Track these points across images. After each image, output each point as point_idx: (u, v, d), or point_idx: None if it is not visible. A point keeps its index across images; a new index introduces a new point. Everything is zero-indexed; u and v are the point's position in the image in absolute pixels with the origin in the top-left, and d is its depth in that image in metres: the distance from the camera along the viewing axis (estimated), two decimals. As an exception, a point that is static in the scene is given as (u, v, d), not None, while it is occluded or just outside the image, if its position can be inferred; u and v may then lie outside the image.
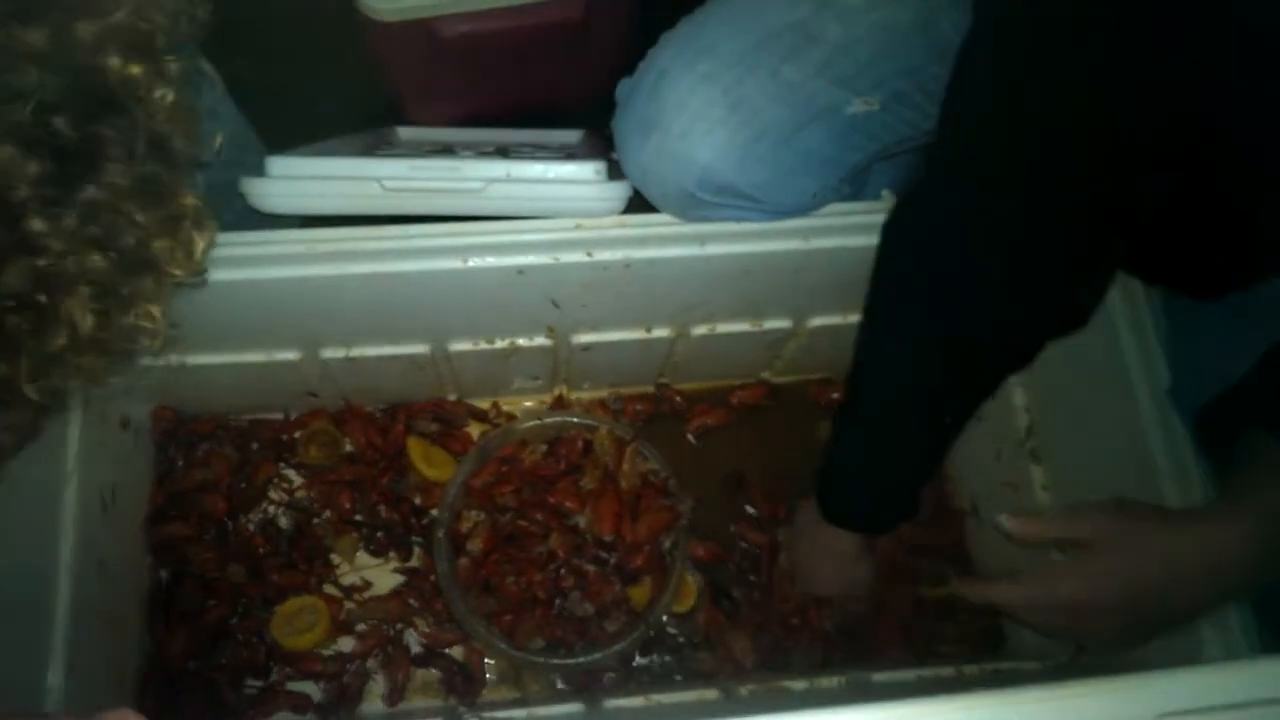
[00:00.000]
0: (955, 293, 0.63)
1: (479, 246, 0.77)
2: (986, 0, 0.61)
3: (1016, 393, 0.94)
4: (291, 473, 1.01)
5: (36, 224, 0.46)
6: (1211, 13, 0.49)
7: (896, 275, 0.68)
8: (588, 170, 0.76)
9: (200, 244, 0.57)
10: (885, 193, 0.82)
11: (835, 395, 1.08)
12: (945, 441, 0.74)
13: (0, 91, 0.44)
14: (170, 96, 0.52)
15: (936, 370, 0.68)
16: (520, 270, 0.79)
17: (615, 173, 0.78)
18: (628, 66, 0.76)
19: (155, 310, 0.55)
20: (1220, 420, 0.66)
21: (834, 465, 0.77)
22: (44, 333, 0.49)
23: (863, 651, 0.97)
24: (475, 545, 0.95)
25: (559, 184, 0.76)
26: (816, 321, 0.95)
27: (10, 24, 0.45)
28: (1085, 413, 0.85)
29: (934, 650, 0.97)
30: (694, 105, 0.70)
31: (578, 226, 0.78)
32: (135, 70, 0.49)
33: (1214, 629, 0.69)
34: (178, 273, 0.55)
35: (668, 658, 0.97)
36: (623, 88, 0.75)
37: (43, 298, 0.48)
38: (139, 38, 0.50)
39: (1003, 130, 0.59)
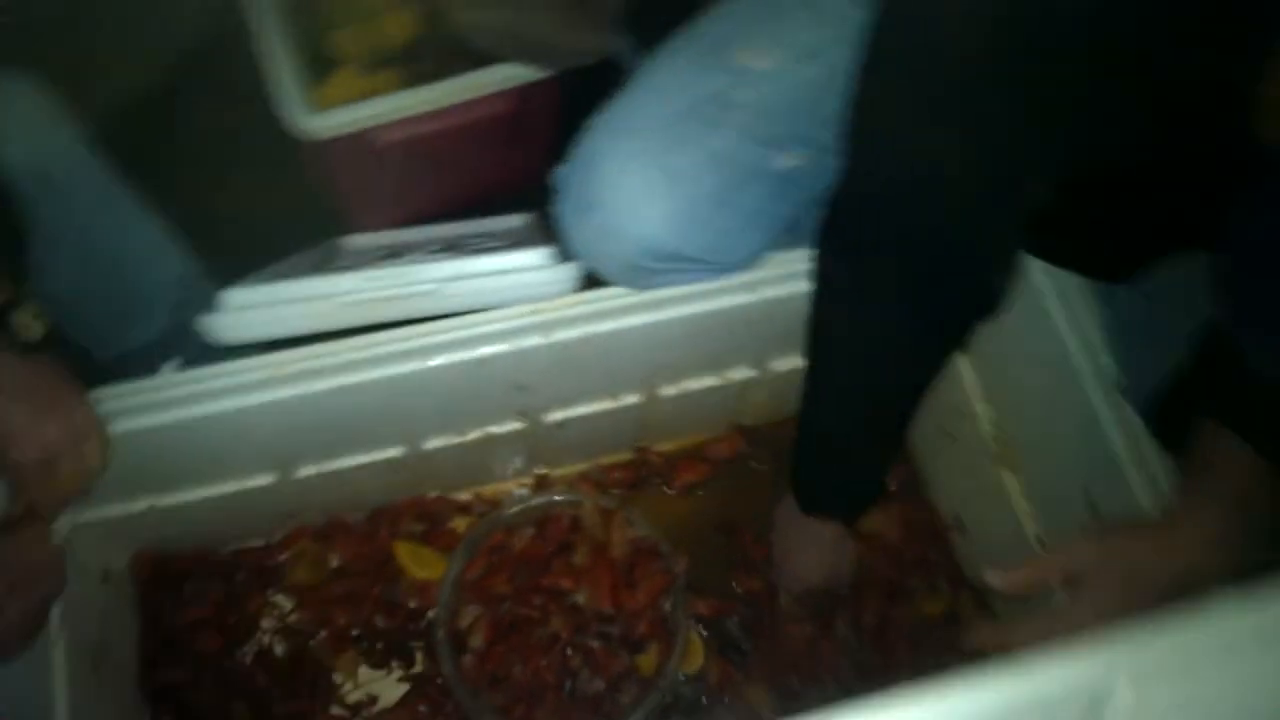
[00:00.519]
0: (881, 288, 0.67)
1: (439, 345, 0.78)
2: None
3: (980, 407, 0.96)
4: (281, 597, 1.00)
5: None
6: None
7: (829, 280, 0.72)
8: (536, 256, 0.78)
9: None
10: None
11: (808, 433, 1.10)
12: (901, 425, 0.78)
13: None
14: None
15: (879, 360, 0.72)
16: (482, 361, 0.81)
17: (565, 254, 0.81)
18: (560, 148, 0.79)
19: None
20: (1170, 415, 0.69)
21: (803, 460, 0.83)
22: None
23: (877, 678, 0.97)
24: (477, 640, 0.94)
25: (511, 274, 0.78)
26: (780, 365, 0.98)
27: None
28: (1046, 418, 0.88)
29: (945, 664, 0.98)
30: (629, 183, 0.72)
31: (534, 311, 0.79)
32: None
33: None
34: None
35: (686, 721, 0.96)
36: (559, 174, 0.78)
37: None
38: None
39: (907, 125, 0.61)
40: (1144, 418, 0.73)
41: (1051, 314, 0.82)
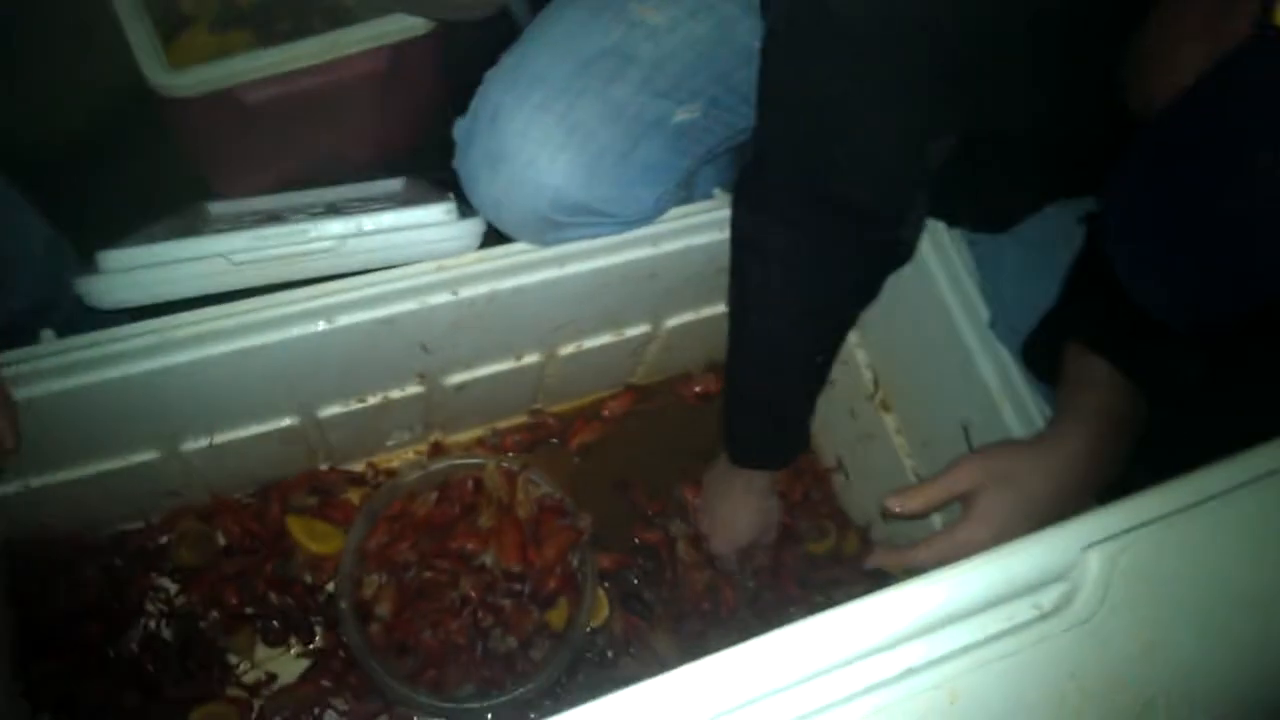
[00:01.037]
0: (798, 244, 0.71)
1: (345, 304, 0.76)
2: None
3: (859, 354, 1.03)
4: (166, 580, 0.95)
5: None
6: None
7: (748, 236, 0.75)
8: (439, 212, 0.78)
9: None
10: (716, 191, 0.88)
11: (697, 389, 1.14)
12: (824, 371, 0.83)
13: None
14: None
15: (799, 321, 0.76)
16: (388, 320, 0.79)
17: (465, 210, 0.80)
18: (439, 109, 0.78)
19: None
20: (1042, 344, 0.76)
21: (733, 415, 0.86)
22: None
23: (772, 616, 1.03)
24: (384, 608, 0.92)
25: (413, 229, 0.77)
26: (673, 322, 1.01)
27: None
28: (921, 359, 0.95)
29: (833, 597, 1.05)
30: (534, 134, 0.73)
31: (439, 268, 0.79)
32: None
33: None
34: None
35: (596, 673, 0.99)
36: (459, 127, 0.77)
37: None
38: None
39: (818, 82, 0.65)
40: (1014, 350, 0.81)
41: (924, 256, 0.88)
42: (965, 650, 0.35)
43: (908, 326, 0.95)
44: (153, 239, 0.81)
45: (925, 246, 0.89)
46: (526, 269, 0.82)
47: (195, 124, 1.01)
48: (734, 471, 0.90)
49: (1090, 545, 0.36)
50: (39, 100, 1.19)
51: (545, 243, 0.80)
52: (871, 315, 1.01)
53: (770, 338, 0.78)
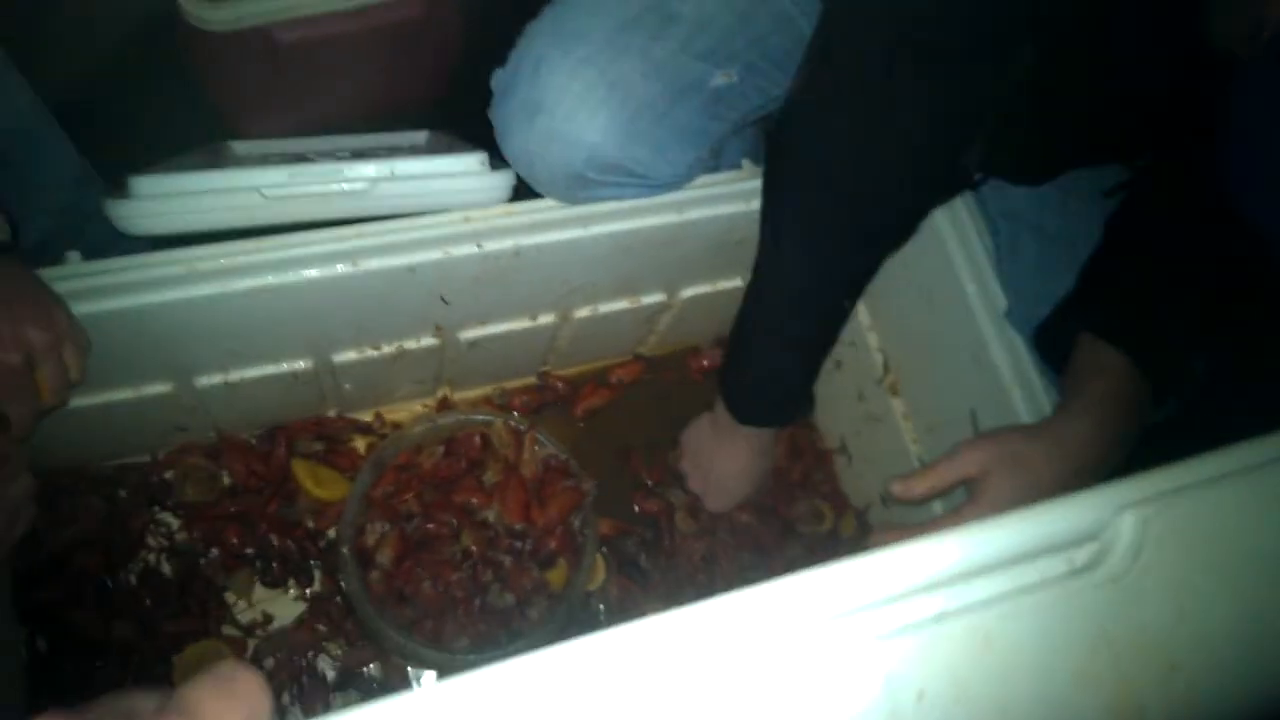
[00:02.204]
0: (847, 177, 0.70)
1: (371, 249, 0.76)
2: None
3: (870, 337, 1.03)
4: (168, 515, 0.95)
5: None
6: None
7: (789, 177, 0.74)
8: (472, 161, 0.78)
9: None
10: (745, 162, 0.89)
11: (705, 363, 1.15)
12: (839, 326, 0.84)
13: None
14: None
15: (832, 258, 0.75)
16: (412, 268, 0.79)
17: (496, 162, 0.80)
18: (468, 66, 0.77)
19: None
20: (1054, 333, 0.77)
21: (740, 373, 0.86)
22: None
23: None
24: (385, 557, 0.93)
25: (445, 178, 0.77)
26: (688, 292, 1.01)
27: None
28: (934, 343, 0.96)
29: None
30: (575, 88, 0.73)
31: (466, 219, 0.79)
32: None
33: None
34: None
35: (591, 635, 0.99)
36: (499, 78, 0.77)
37: None
38: None
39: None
40: (1027, 338, 0.82)
41: (945, 242, 0.89)
42: (1000, 598, 0.36)
43: (923, 310, 0.96)
44: (183, 168, 0.81)
45: (946, 230, 0.89)
46: (552, 226, 0.82)
47: (226, 60, 1.00)
48: (733, 429, 0.90)
49: (1125, 507, 0.37)
50: (71, 27, 1.18)
51: (574, 200, 0.81)
52: (886, 297, 1.02)
53: (807, 266, 0.75)
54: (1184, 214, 0.70)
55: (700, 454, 0.99)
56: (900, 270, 0.99)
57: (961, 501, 0.70)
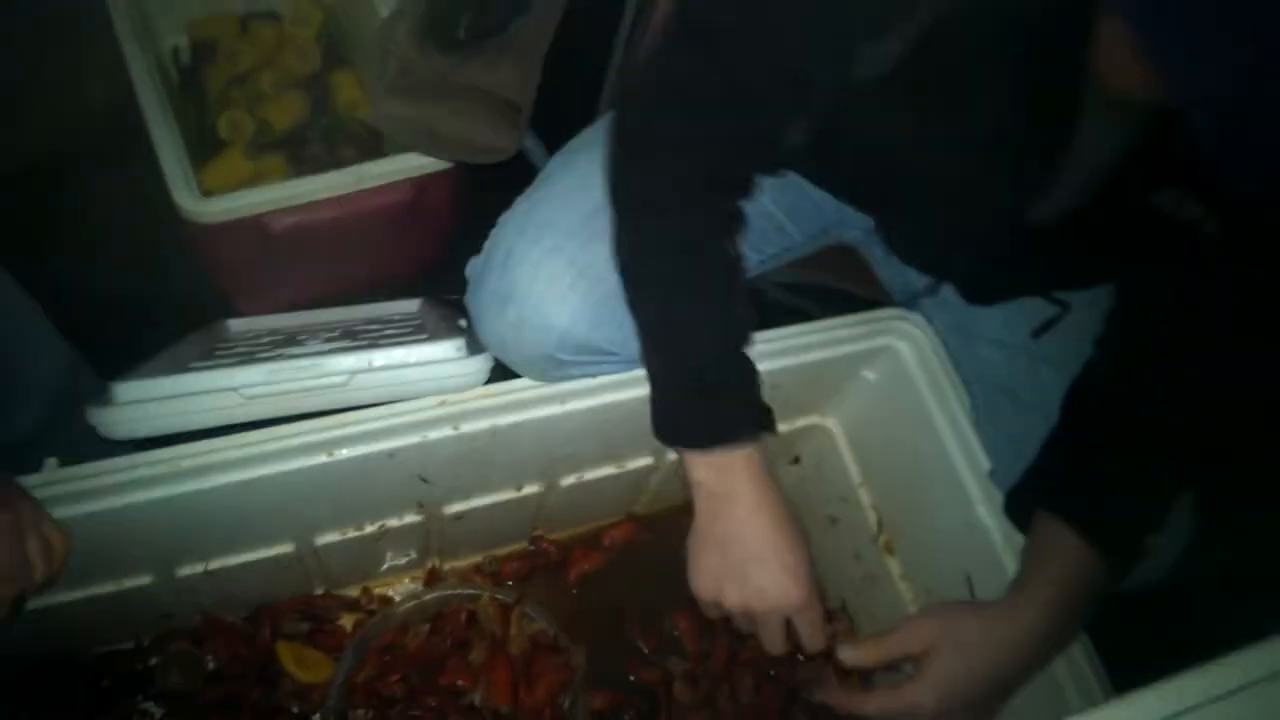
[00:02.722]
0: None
1: (347, 438, 0.77)
2: None
3: (862, 493, 1.02)
4: (151, 704, 0.93)
5: None
6: None
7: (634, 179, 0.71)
8: (449, 348, 0.79)
9: None
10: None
11: (699, 520, 1.13)
12: (746, 301, 0.72)
13: None
14: None
15: (704, 225, 0.69)
16: (390, 453, 0.80)
17: (474, 346, 0.82)
18: (454, 238, 0.80)
19: None
20: (1018, 504, 0.77)
21: (684, 391, 0.70)
22: None
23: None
24: (368, 745, 0.90)
25: (422, 365, 0.78)
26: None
27: None
28: (924, 503, 0.94)
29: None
30: (544, 276, 0.75)
31: (442, 403, 0.79)
32: None
33: (1069, 675, 0.77)
34: None
35: (584, 820, 0.95)
36: (472, 265, 0.80)
37: None
38: None
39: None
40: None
41: (924, 401, 0.89)
42: None
43: (910, 470, 0.95)
44: (167, 363, 0.83)
45: (925, 391, 0.90)
46: (528, 405, 0.82)
47: (220, 247, 1.04)
48: (721, 485, 0.69)
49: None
50: (75, 211, 1.25)
51: (550, 379, 0.82)
52: (872, 453, 1.01)
53: (676, 266, 0.69)
54: (1146, 377, 0.70)
55: (704, 546, 0.71)
56: (882, 427, 0.99)
57: (906, 676, 0.69)
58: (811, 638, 0.70)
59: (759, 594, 0.68)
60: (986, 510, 0.84)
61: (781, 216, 0.87)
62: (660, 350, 0.71)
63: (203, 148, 1.24)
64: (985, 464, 0.85)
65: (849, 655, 0.69)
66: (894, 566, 0.98)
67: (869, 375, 0.97)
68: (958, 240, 0.75)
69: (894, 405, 0.95)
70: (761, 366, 0.88)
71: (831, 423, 1.05)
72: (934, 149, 0.67)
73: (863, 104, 0.65)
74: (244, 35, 1.31)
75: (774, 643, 0.71)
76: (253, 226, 1.01)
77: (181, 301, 1.17)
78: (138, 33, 1.05)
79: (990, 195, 0.69)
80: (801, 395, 0.99)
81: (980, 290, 0.84)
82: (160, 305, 1.16)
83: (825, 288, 1.12)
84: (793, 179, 0.85)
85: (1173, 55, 0.46)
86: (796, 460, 1.12)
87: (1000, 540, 0.83)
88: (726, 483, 0.69)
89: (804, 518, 1.12)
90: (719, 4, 0.64)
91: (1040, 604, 0.66)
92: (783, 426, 1.04)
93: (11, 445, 0.80)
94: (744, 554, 0.69)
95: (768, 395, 0.91)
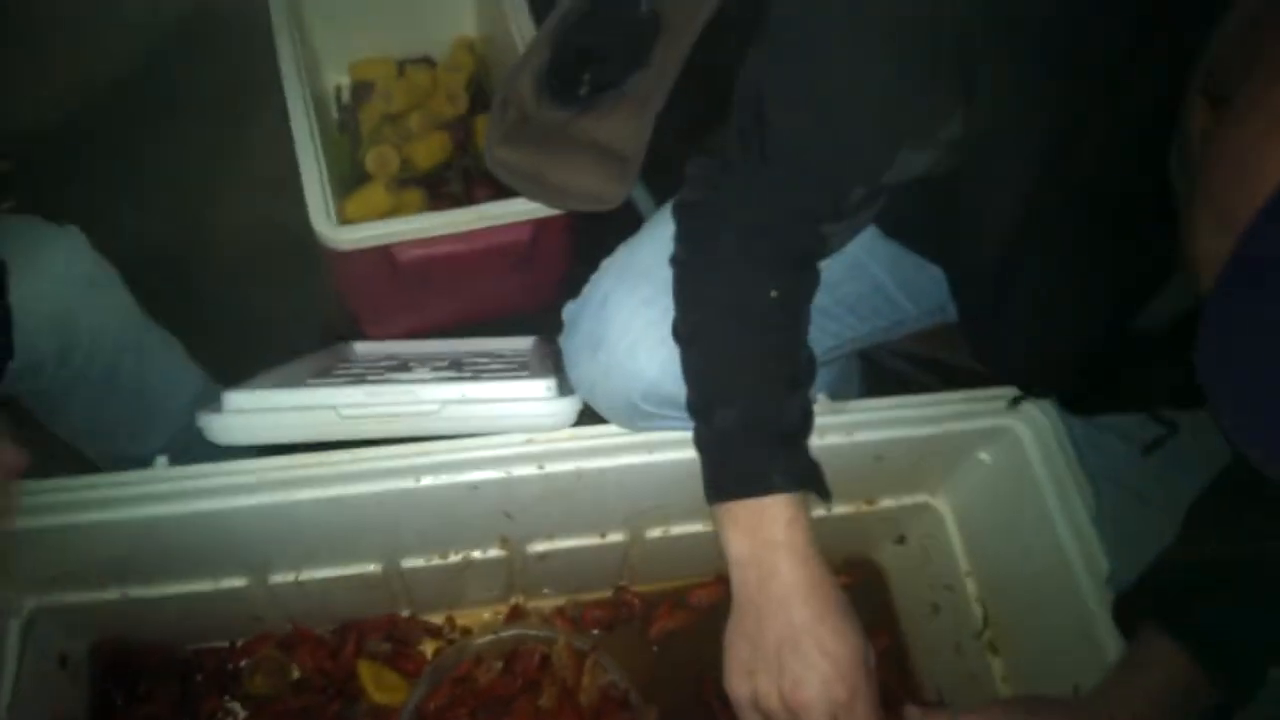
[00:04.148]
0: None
1: (432, 465, 0.78)
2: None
3: (969, 584, 0.95)
4: (237, 705, 0.96)
5: None
6: None
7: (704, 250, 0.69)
8: (539, 387, 0.79)
9: None
10: (820, 396, 0.86)
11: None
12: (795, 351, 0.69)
13: None
14: None
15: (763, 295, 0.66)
16: (473, 486, 0.80)
17: (565, 387, 0.82)
18: (568, 279, 0.81)
19: None
20: (1127, 610, 0.70)
21: (712, 431, 0.66)
22: None
23: None
24: (430, 776, 0.90)
25: (512, 402, 0.79)
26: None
27: None
28: (1035, 603, 0.87)
29: None
30: (637, 326, 0.74)
31: (529, 441, 0.80)
32: None
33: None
34: None
35: None
36: (569, 309, 0.80)
37: None
38: None
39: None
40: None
41: (1047, 501, 0.82)
42: None
43: (1022, 565, 0.87)
44: (281, 378, 0.87)
45: (1044, 478, 0.83)
46: (615, 451, 0.81)
47: (351, 272, 1.10)
48: (759, 553, 0.63)
49: None
50: (219, 228, 1.35)
51: (636, 428, 0.80)
52: (983, 541, 0.94)
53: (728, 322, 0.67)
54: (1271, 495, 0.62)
55: (737, 633, 0.65)
56: (995, 515, 0.92)
57: None
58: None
59: (795, 685, 0.60)
60: (1103, 620, 0.76)
61: (893, 289, 0.83)
62: (696, 390, 0.68)
63: (352, 179, 1.31)
64: (1105, 567, 0.78)
65: (913, 716, 0.66)
66: (997, 667, 0.90)
67: (984, 457, 0.90)
68: (1041, 340, 0.68)
69: (1010, 492, 0.88)
70: (870, 436, 0.85)
71: (941, 504, 0.98)
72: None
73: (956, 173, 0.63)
74: (400, 78, 1.40)
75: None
76: (382, 256, 1.06)
77: (321, 321, 1.24)
78: (299, 70, 1.13)
79: (1086, 300, 0.63)
80: (910, 471, 0.93)
81: (1071, 399, 0.78)
82: (302, 324, 1.23)
83: (944, 363, 1.07)
84: (909, 253, 0.81)
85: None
86: (902, 540, 1.06)
87: (1115, 654, 0.74)
88: (761, 555, 0.63)
89: (906, 602, 1.07)
90: (782, 93, 0.63)
91: (1130, 716, 0.61)
92: (889, 502, 0.99)
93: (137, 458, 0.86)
94: (779, 639, 0.61)
95: (870, 466, 0.87)
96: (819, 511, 0.98)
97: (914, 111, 0.58)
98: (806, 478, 0.65)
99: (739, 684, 0.64)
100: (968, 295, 0.73)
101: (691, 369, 0.69)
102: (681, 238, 0.70)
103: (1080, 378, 0.72)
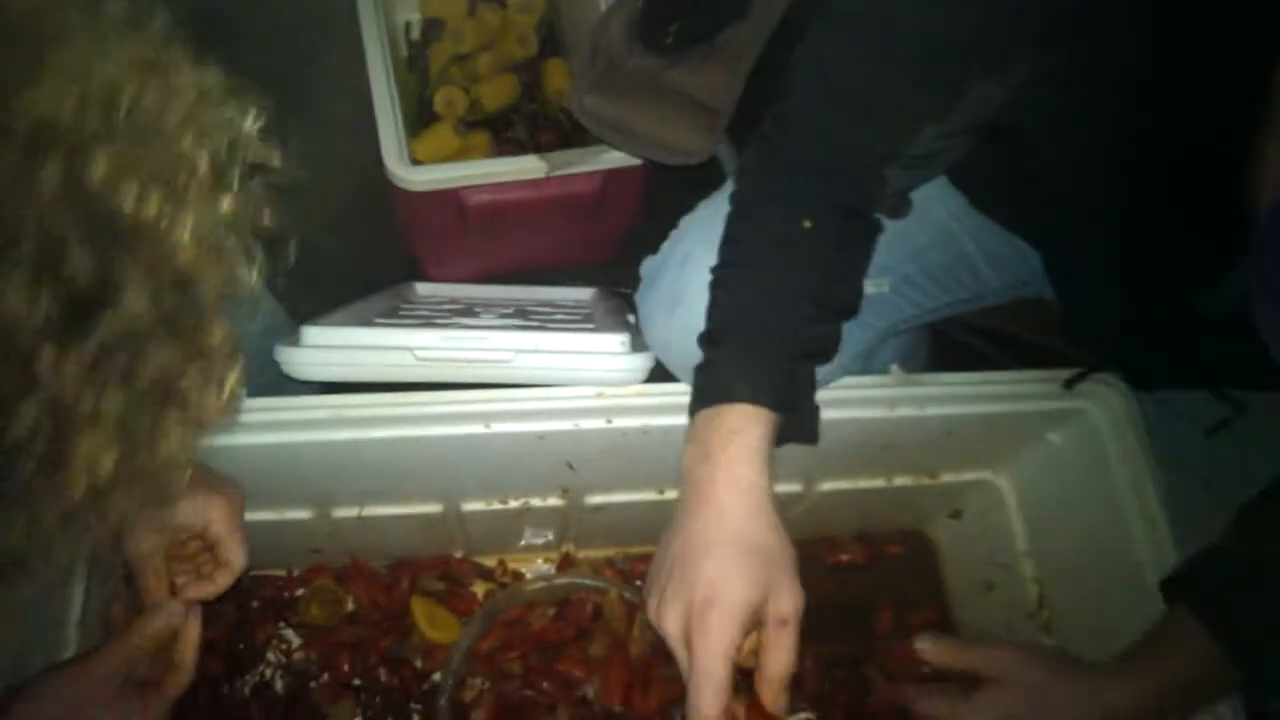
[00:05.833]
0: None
1: (503, 413, 0.78)
2: None
3: (1026, 564, 0.94)
4: (291, 632, 0.98)
5: (47, 363, 0.40)
6: None
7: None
8: (613, 342, 0.79)
9: (230, 381, 0.52)
10: (894, 368, 0.85)
11: (844, 556, 1.08)
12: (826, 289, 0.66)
13: (7, 230, 0.39)
14: (190, 236, 0.45)
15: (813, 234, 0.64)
16: (541, 436, 0.81)
17: (637, 343, 0.81)
18: (634, 232, 0.80)
19: (181, 450, 0.47)
20: (1166, 592, 0.69)
21: (721, 355, 0.63)
22: (61, 480, 0.42)
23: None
24: (479, 716, 0.92)
25: (585, 354, 0.79)
26: (826, 486, 0.97)
27: (19, 159, 0.39)
28: (1095, 588, 0.86)
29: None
30: (718, 287, 0.73)
31: (599, 395, 0.79)
32: (153, 208, 0.43)
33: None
34: (206, 411, 0.47)
35: (676, 839, 0.93)
36: (648, 265, 0.79)
37: (56, 442, 0.42)
38: (162, 172, 0.47)
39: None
40: None
41: (1116, 486, 0.81)
42: None
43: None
44: (353, 318, 0.88)
45: (1116, 463, 0.81)
46: (682, 410, 0.80)
47: (419, 214, 1.09)
48: (700, 461, 0.59)
49: None
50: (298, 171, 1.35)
51: (708, 389, 0.80)
52: (1046, 525, 0.93)
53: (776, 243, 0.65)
54: None
55: (661, 547, 0.62)
56: (1060, 497, 0.90)
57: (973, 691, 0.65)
58: (775, 658, 0.53)
59: (659, 606, 0.56)
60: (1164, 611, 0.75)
61: (979, 260, 0.82)
62: (709, 318, 0.65)
63: (419, 119, 1.30)
64: (1173, 559, 0.76)
65: (925, 645, 0.67)
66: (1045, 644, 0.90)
67: (1054, 438, 0.89)
68: (1114, 309, 0.70)
69: (1078, 475, 0.87)
70: (936, 410, 0.84)
71: (1003, 482, 0.97)
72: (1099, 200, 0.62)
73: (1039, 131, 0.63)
74: (471, 17, 1.37)
75: (711, 674, 0.53)
76: (451, 199, 1.05)
77: (380, 261, 1.24)
78: (376, 5, 1.12)
79: (1152, 272, 0.64)
80: (975, 447, 0.92)
81: (1139, 373, 0.78)
82: (361, 262, 1.23)
83: (1020, 339, 1.05)
84: (997, 225, 0.79)
85: None
86: (957, 514, 1.05)
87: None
88: (692, 469, 0.59)
89: (957, 578, 1.06)
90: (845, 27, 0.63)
91: (1132, 691, 0.62)
92: (948, 477, 0.98)
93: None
94: (672, 558, 0.57)
95: (940, 440, 0.86)
96: (877, 482, 0.98)
97: (982, 45, 0.58)
98: (776, 398, 0.60)
99: (651, 600, 0.60)
100: (1054, 266, 0.72)
101: (711, 299, 0.66)
102: (739, 173, 0.70)
103: (1154, 352, 0.72)
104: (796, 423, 0.62)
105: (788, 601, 0.55)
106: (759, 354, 0.61)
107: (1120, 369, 0.80)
